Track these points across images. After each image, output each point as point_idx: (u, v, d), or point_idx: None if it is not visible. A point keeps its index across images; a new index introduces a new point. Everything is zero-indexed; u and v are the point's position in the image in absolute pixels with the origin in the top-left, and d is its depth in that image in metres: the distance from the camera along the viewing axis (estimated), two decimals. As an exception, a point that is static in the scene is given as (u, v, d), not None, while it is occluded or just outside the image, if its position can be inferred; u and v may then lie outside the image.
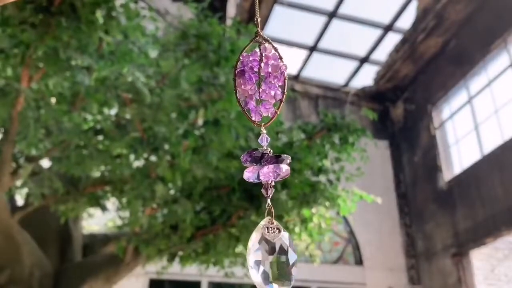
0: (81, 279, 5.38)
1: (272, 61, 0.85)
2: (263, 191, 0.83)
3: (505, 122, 9.01)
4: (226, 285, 9.82)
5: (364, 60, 11.40)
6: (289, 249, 0.80)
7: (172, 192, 5.10)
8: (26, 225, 5.32)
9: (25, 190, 5.34)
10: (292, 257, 0.80)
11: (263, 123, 0.84)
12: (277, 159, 0.81)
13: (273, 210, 0.83)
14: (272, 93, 0.84)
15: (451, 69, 10.53)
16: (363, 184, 6.79)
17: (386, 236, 10.93)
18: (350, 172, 5.40)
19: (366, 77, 12.25)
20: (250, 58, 0.85)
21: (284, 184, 4.85)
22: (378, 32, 10.69)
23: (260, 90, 0.84)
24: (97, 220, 7.18)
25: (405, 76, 11.72)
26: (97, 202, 5.29)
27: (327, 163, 5.21)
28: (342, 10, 9.95)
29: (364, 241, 10.69)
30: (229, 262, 5.68)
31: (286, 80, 0.85)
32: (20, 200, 5.83)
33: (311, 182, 5.05)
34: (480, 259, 9.69)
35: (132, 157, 4.61)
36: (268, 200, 0.83)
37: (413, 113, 11.81)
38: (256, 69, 0.84)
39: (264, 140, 0.82)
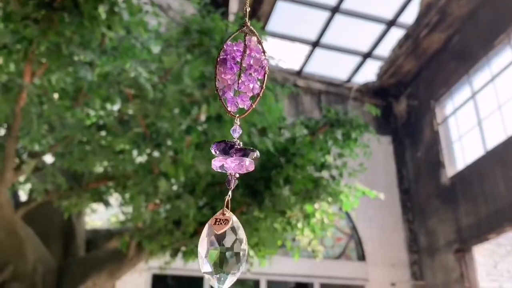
0: (84, 275, 5.39)
1: (255, 54, 0.84)
2: (226, 183, 0.83)
3: (509, 117, 8.98)
4: (228, 280, 9.83)
5: (367, 55, 11.37)
6: (236, 241, 0.79)
7: (175, 187, 5.10)
8: (29, 220, 5.34)
9: (28, 186, 5.35)
10: (236, 249, 0.79)
11: (237, 115, 0.83)
12: (243, 152, 0.81)
13: (229, 203, 0.83)
14: (251, 86, 0.84)
15: (454, 64, 10.50)
16: (366, 179, 6.79)
17: (389, 232, 10.93)
18: (353, 168, 5.40)
19: (369, 73, 12.23)
20: (234, 48, 0.84)
21: (286, 179, 4.85)
22: (381, 28, 10.66)
23: (240, 81, 0.83)
24: (100, 216, 7.20)
25: (408, 72, 11.69)
26: (100, 197, 5.30)
27: (329, 158, 5.20)
28: (345, 5, 9.92)
29: (366, 236, 10.69)
30: (232, 258, 5.68)
31: (266, 75, 0.85)
32: (23, 196, 5.84)
33: (314, 177, 5.04)
34: (483, 255, 9.69)
35: (135, 152, 4.61)
36: (230, 192, 0.82)
37: (416, 108, 11.78)
38: (238, 60, 0.84)
39: (236, 132, 0.82)
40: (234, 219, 0.82)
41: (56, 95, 4.25)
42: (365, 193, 5.60)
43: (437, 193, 10.65)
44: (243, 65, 0.84)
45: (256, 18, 9.43)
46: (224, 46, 0.85)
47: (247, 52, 0.84)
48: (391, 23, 10.53)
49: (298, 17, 10.95)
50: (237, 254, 0.80)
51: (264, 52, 0.85)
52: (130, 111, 4.33)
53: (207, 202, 5.19)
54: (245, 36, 0.85)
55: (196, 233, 5.09)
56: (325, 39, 10.82)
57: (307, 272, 9.73)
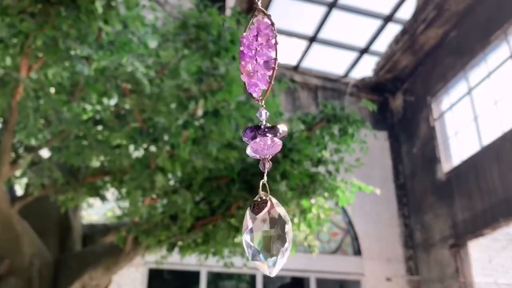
0: (81, 269, 5.39)
1: (264, 31, 0.84)
2: (260, 165, 0.81)
3: (505, 113, 9.02)
4: (225, 275, 9.87)
5: (363, 51, 11.38)
6: (279, 222, 0.78)
7: (171, 182, 5.10)
8: (26, 215, 5.33)
9: (24, 180, 5.34)
10: (281, 230, 0.78)
11: (261, 97, 0.83)
12: (270, 130, 0.80)
13: (267, 186, 0.81)
14: (265, 63, 0.83)
15: (451, 60, 10.51)
16: (362, 175, 6.80)
17: (385, 227, 10.97)
18: (349, 163, 5.41)
19: (366, 68, 12.24)
20: (249, 35, 0.83)
21: (283, 175, 4.86)
22: (378, 23, 10.65)
23: (256, 63, 0.83)
24: (97, 210, 7.20)
25: (404, 67, 11.70)
26: (97, 192, 5.30)
27: (326, 154, 5.21)
28: (342, 0, 9.91)
29: (362, 231, 10.73)
30: (229, 252, 5.70)
31: (277, 45, 0.84)
32: (19, 190, 5.83)
33: (311, 173, 5.05)
34: (478, 250, 9.74)
35: (131, 147, 4.60)
36: (265, 176, 0.81)
37: (413, 104, 11.80)
38: (252, 46, 0.83)
39: (263, 115, 0.81)
40: (273, 201, 0.81)
41: (52, 90, 4.24)
42: (361, 188, 5.62)
43: (433, 189, 10.69)
44: (256, 48, 0.83)
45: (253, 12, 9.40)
46: (242, 40, 0.84)
47: (257, 32, 0.84)
48: (388, 19, 10.53)
49: (295, 12, 10.93)
50: (282, 236, 0.78)
51: (273, 24, 0.84)
52: (127, 106, 4.32)
53: (204, 197, 5.20)
54: (252, 17, 0.85)
55: (193, 228, 5.10)
56: (322, 34, 10.81)
57: (303, 267, 9.76)
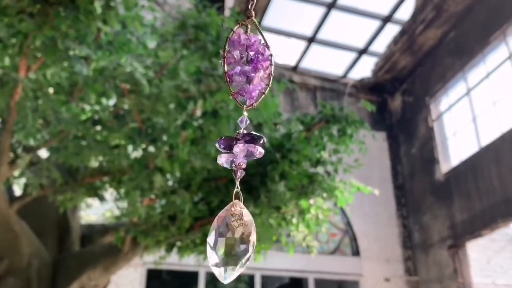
0: (79, 269, 5.39)
1: (260, 46, 0.84)
2: (233, 174, 0.82)
3: (503, 114, 9.03)
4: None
5: (362, 51, 11.38)
6: (248, 238, 0.79)
7: (170, 183, 5.10)
8: (24, 215, 5.33)
9: (23, 180, 5.34)
10: (245, 241, 0.79)
11: (245, 106, 0.83)
12: (251, 139, 0.80)
13: (240, 195, 0.82)
14: (259, 76, 0.83)
15: (449, 61, 10.52)
16: (361, 175, 6.81)
17: (383, 228, 10.98)
18: (348, 164, 5.41)
19: (365, 69, 12.24)
20: (240, 39, 0.84)
21: (282, 175, 4.86)
22: (377, 24, 10.66)
23: (248, 71, 0.83)
24: (95, 211, 7.20)
25: (403, 68, 11.71)
26: (95, 192, 5.30)
27: (325, 154, 5.21)
28: (341, 1, 9.92)
29: (361, 232, 10.73)
30: (227, 253, 5.69)
31: (272, 64, 0.84)
32: (18, 190, 5.83)
33: (309, 173, 5.05)
34: (476, 250, 9.75)
35: (130, 147, 4.60)
36: (237, 183, 0.81)
37: (411, 104, 11.81)
38: (243, 51, 0.83)
39: (244, 122, 0.81)
40: (245, 212, 0.82)
41: (51, 90, 4.24)
42: (360, 189, 5.62)
43: (431, 189, 10.69)
44: (249, 57, 0.84)
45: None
46: (229, 38, 0.84)
47: (252, 42, 0.84)
48: (387, 19, 10.54)
49: (294, 12, 10.94)
50: (245, 247, 0.79)
51: (267, 46, 0.85)
52: (126, 106, 4.32)
53: (203, 198, 5.20)
54: (246, 27, 0.85)
55: (192, 228, 5.10)
56: (321, 35, 10.82)
57: (301, 267, 9.76)
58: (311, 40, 10.89)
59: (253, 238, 0.80)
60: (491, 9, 9.47)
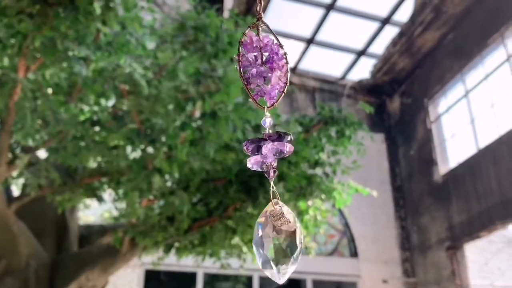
0: (77, 270, 5.39)
1: (274, 47, 0.84)
2: (266, 174, 0.81)
3: (501, 116, 9.05)
4: (221, 276, 9.86)
5: (361, 53, 11.40)
6: (294, 234, 0.79)
7: (169, 184, 5.10)
8: (23, 215, 5.32)
9: (21, 181, 5.33)
10: (297, 243, 0.79)
11: (266, 106, 0.83)
12: (279, 137, 0.80)
13: (277, 194, 0.81)
14: (275, 79, 0.83)
15: (448, 63, 10.54)
16: (359, 177, 6.81)
17: (381, 229, 10.98)
18: (346, 165, 5.42)
19: (363, 70, 12.25)
20: (254, 45, 0.84)
21: (280, 176, 4.87)
22: (375, 25, 10.68)
23: (264, 73, 0.83)
24: (94, 211, 7.19)
25: (402, 70, 11.73)
26: (94, 193, 5.29)
27: (323, 156, 5.22)
28: (340, 2, 9.94)
29: (359, 233, 10.74)
30: (225, 254, 5.71)
31: (288, 64, 0.84)
32: (16, 191, 5.82)
33: (308, 175, 5.06)
34: (474, 252, 9.77)
35: (129, 148, 4.60)
36: (271, 183, 0.81)
37: (410, 106, 11.83)
38: (258, 56, 0.83)
39: (267, 122, 0.81)
40: (285, 209, 0.81)
41: (50, 90, 4.24)
42: (358, 191, 5.63)
43: (429, 191, 10.71)
44: (264, 59, 0.83)
45: (251, 14, 9.42)
46: (242, 43, 0.84)
47: (266, 43, 0.84)
48: (385, 21, 10.56)
49: (292, 14, 10.95)
50: (292, 243, 0.79)
51: (281, 45, 0.85)
52: (125, 107, 4.32)
53: (201, 199, 5.20)
54: (258, 30, 0.85)
55: (190, 229, 5.10)
56: (319, 36, 10.83)
57: (299, 268, 9.72)
58: (310, 41, 10.90)
59: (298, 233, 0.80)
60: (490, 11, 9.50)
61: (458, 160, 10.05)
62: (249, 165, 0.81)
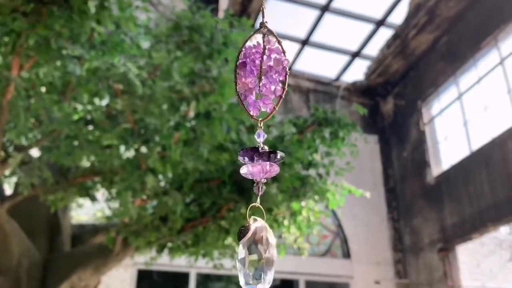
0: (70, 269, 5.37)
1: (275, 55, 0.82)
2: (255, 189, 0.82)
3: (494, 119, 9.10)
4: (214, 276, 9.86)
5: (355, 54, 11.43)
6: (270, 248, 0.80)
7: (162, 184, 5.09)
8: (15, 214, 5.30)
9: (14, 180, 5.31)
10: (271, 256, 0.79)
11: (260, 119, 0.82)
12: (268, 156, 0.80)
13: (263, 209, 0.81)
14: (273, 88, 0.82)
15: (441, 65, 10.59)
16: (352, 178, 6.83)
17: (374, 230, 11.02)
18: (339, 167, 5.43)
19: (357, 72, 12.29)
20: (253, 50, 0.82)
21: (274, 177, 4.86)
22: (370, 27, 10.71)
23: (261, 84, 0.82)
24: (86, 211, 7.17)
25: (396, 72, 11.77)
26: (87, 192, 5.27)
27: (317, 157, 5.23)
28: (335, 4, 9.96)
29: (352, 234, 10.76)
30: (218, 254, 5.70)
31: (287, 75, 0.83)
32: (8, 190, 5.80)
33: (301, 176, 5.07)
34: (466, 254, 9.81)
35: (122, 148, 4.59)
36: (258, 199, 0.81)
37: (403, 108, 11.87)
38: (258, 62, 0.82)
39: (261, 136, 0.81)
40: (259, 225, 0.81)
41: (44, 89, 4.22)
42: (351, 192, 5.64)
43: (422, 193, 10.75)
44: (263, 67, 0.82)
45: (246, 15, 9.43)
46: (243, 49, 0.82)
47: (267, 53, 0.82)
48: (380, 23, 10.59)
49: (288, 15, 10.96)
50: (262, 261, 0.79)
51: (284, 52, 0.83)
52: (119, 107, 4.31)
53: (195, 199, 5.20)
54: (263, 37, 0.83)
55: (183, 230, 5.10)
56: (314, 38, 10.85)
57: (292, 269, 9.77)
58: (304, 42, 10.92)
59: (270, 252, 0.80)
60: (483, 14, 9.55)
61: (451, 162, 10.10)
62: (242, 172, 0.81)
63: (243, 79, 0.82)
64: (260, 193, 0.80)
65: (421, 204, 10.72)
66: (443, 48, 10.64)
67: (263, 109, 0.82)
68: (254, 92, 0.81)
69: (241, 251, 0.79)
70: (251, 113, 0.82)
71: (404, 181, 11.54)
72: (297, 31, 10.82)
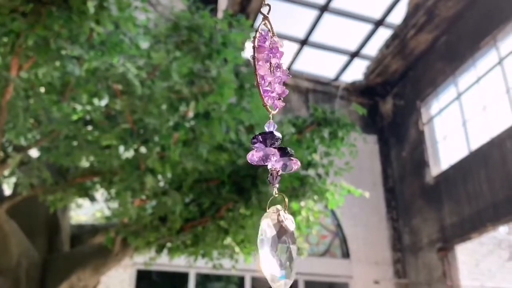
0: (69, 270, 5.36)
1: (279, 57, 0.84)
2: (270, 178, 0.81)
3: (493, 119, 9.11)
4: (213, 276, 9.86)
5: (354, 54, 11.43)
6: (294, 241, 0.80)
7: (161, 184, 5.09)
8: (14, 215, 5.29)
9: (13, 180, 5.30)
10: (295, 249, 0.79)
11: (272, 110, 0.83)
12: (286, 153, 0.80)
13: (286, 199, 0.81)
14: (281, 87, 0.83)
15: (440, 65, 10.60)
16: (351, 178, 6.83)
17: (373, 230, 11.02)
18: (339, 167, 5.43)
19: (356, 72, 12.30)
20: (266, 43, 0.83)
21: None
22: (369, 27, 10.72)
23: (274, 78, 0.83)
24: (86, 211, 7.17)
25: (395, 72, 11.78)
26: (86, 192, 5.27)
27: (316, 157, 5.23)
28: (334, 4, 9.96)
29: (351, 234, 10.77)
30: (218, 254, 5.70)
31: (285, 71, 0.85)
32: (8, 190, 5.79)
33: (301, 176, 5.07)
34: (465, 254, 9.82)
35: (121, 148, 4.59)
36: (275, 188, 0.81)
37: (402, 108, 11.88)
38: (269, 56, 0.83)
39: (271, 126, 0.81)
40: (285, 216, 0.81)
41: (43, 89, 4.22)
42: (350, 192, 5.65)
43: (421, 192, 10.76)
44: (272, 63, 0.83)
45: (245, 15, 9.42)
46: (257, 37, 0.83)
47: (273, 51, 0.83)
48: (379, 23, 10.60)
49: (287, 15, 10.97)
50: (291, 251, 0.78)
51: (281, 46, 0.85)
52: (118, 107, 4.31)
53: (194, 199, 5.19)
54: (272, 37, 0.85)
55: (183, 230, 5.09)
56: (313, 38, 10.86)
57: (291, 269, 9.76)
58: (303, 42, 10.92)
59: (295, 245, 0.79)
60: (482, 15, 9.56)
61: (449, 162, 10.11)
62: (248, 158, 0.80)
63: (261, 64, 0.83)
64: (275, 183, 0.80)
65: (420, 204, 10.72)
66: (442, 48, 10.65)
67: (278, 104, 0.82)
68: (269, 82, 0.82)
69: (271, 231, 0.78)
70: (266, 100, 0.82)
71: (403, 181, 11.54)
72: (296, 31, 10.83)
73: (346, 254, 10.65)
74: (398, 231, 11.24)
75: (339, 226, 10.80)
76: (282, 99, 0.84)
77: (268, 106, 0.83)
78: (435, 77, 10.71)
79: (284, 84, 0.85)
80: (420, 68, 11.30)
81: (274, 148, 0.79)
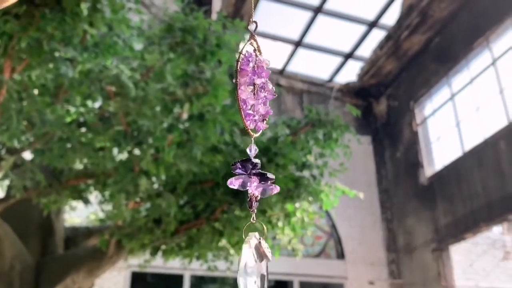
0: (63, 272, 5.34)
1: (265, 77, 0.83)
2: (248, 203, 0.82)
3: (486, 119, 9.15)
4: (208, 278, 9.84)
5: (348, 56, 11.46)
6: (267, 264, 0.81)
7: (155, 186, 5.08)
8: (7, 217, 5.26)
9: (6, 182, 5.27)
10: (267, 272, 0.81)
11: (253, 133, 0.83)
12: (263, 177, 0.80)
13: (263, 226, 0.83)
14: (265, 108, 0.84)
15: (434, 66, 10.64)
16: (346, 179, 6.85)
17: (368, 231, 11.04)
18: (333, 168, 5.44)
19: (350, 73, 12.33)
20: (249, 65, 0.83)
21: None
22: (362, 28, 10.74)
23: (258, 100, 0.83)
24: (80, 213, 7.14)
25: (388, 73, 11.81)
26: (80, 195, 5.25)
27: (311, 158, 5.23)
28: (328, 5, 9.98)
29: (346, 235, 10.78)
30: (212, 256, 5.70)
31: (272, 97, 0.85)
32: (1, 193, 5.76)
33: (295, 177, 5.07)
34: (460, 254, 9.86)
35: (115, 150, 4.57)
36: (253, 215, 0.82)
37: (396, 109, 11.91)
38: (252, 79, 0.83)
39: (253, 150, 0.82)
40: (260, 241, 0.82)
41: (36, 91, 4.20)
42: (345, 192, 5.66)
43: (415, 193, 10.79)
44: (256, 84, 0.83)
45: (239, 16, 9.43)
46: (240, 59, 0.83)
47: (258, 71, 0.83)
48: (372, 24, 10.62)
49: (281, 16, 10.98)
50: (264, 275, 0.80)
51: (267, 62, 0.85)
52: (111, 109, 4.30)
53: (188, 201, 5.19)
54: (256, 54, 0.84)
55: (177, 232, 5.08)
56: (307, 39, 10.87)
57: (287, 270, 9.77)
58: (297, 44, 10.93)
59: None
60: (475, 15, 9.60)
61: (443, 162, 10.14)
62: (229, 184, 0.81)
63: (241, 94, 0.83)
64: (254, 209, 0.81)
65: (415, 205, 10.75)
66: (435, 49, 10.69)
67: (260, 127, 0.83)
68: (251, 105, 0.83)
69: (248, 258, 0.79)
70: (249, 126, 0.83)
71: (397, 181, 11.57)
72: (290, 33, 10.84)
73: (341, 255, 10.67)
74: (392, 232, 11.27)
75: (333, 227, 10.81)
76: (266, 120, 0.84)
77: (250, 130, 0.83)
78: (428, 78, 10.75)
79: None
80: (414, 69, 11.34)
81: (254, 174, 0.80)
